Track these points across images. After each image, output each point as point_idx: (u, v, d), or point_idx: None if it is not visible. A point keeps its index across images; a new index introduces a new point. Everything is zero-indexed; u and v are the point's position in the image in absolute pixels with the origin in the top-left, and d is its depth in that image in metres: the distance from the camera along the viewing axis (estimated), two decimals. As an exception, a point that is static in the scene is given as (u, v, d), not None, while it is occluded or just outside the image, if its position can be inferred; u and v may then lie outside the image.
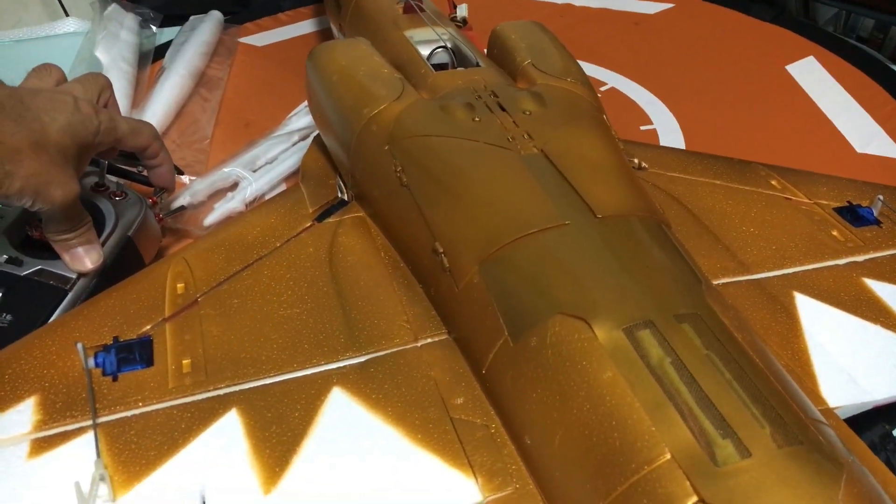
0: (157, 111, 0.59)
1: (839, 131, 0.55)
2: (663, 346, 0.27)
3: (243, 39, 0.73)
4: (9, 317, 0.36)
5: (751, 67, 0.64)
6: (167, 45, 0.69)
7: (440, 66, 0.47)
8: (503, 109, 0.39)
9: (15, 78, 0.40)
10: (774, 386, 0.27)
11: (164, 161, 0.44)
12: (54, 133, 0.35)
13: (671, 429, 0.25)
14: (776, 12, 0.72)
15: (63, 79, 0.41)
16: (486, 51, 0.48)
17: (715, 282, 0.37)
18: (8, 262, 0.38)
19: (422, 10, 0.50)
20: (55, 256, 0.38)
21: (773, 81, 0.62)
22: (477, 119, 0.38)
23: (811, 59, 0.64)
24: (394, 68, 0.43)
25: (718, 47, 0.68)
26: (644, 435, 0.25)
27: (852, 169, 0.50)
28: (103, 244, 0.40)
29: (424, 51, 0.47)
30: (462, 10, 0.55)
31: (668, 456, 0.24)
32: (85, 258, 0.39)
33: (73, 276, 0.38)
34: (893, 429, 0.34)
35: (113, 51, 0.65)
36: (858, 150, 0.53)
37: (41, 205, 0.35)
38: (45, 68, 0.40)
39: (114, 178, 0.45)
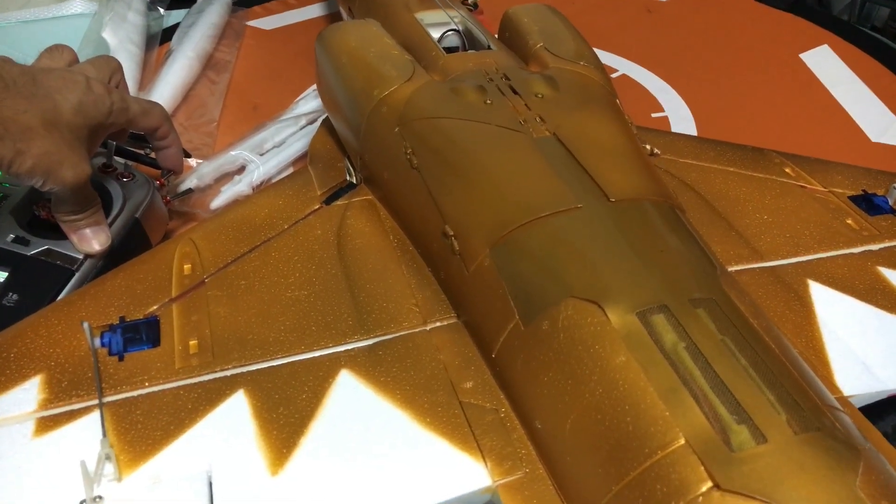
0: (164, 93, 0.59)
1: (854, 120, 0.55)
2: (678, 331, 0.27)
3: (251, 23, 0.73)
4: (15, 296, 0.36)
5: (764, 55, 0.63)
6: (175, 27, 0.68)
7: (451, 50, 0.47)
8: (515, 92, 0.38)
9: (23, 59, 0.39)
10: (790, 372, 0.26)
11: (174, 143, 0.44)
12: (67, 112, 0.35)
13: (685, 414, 0.24)
14: (791, 0, 0.71)
15: (75, 60, 0.40)
16: (497, 34, 0.48)
17: (728, 269, 0.37)
18: (15, 241, 0.38)
19: (433, -8, 0.50)
20: (62, 237, 0.38)
21: (786, 70, 0.61)
22: (489, 101, 0.37)
23: (825, 47, 0.63)
24: (404, 50, 0.42)
25: (731, 35, 0.67)
26: (658, 420, 0.24)
27: (867, 158, 0.50)
28: (110, 225, 0.40)
29: (435, 33, 0.47)
30: (473, -6, 0.54)
31: (683, 441, 0.24)
32: (93, 240, 0.38)
33: (80, 256, 0.38)
34: (907, 419, 0.34)
35: (120, 32, 0.65)
36: (873, 139, 0.53)
37: (52, 185, 0.35)
38: (57, 49, 0.40)
39: (121, 160, 0.45)
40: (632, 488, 0.24)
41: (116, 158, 0.44)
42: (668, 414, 0.24)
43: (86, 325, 0.33)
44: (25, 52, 0.41)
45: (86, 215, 0.38)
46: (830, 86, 0.58)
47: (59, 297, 0.37)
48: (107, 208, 0.40)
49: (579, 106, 0.38)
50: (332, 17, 0.73)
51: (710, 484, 0.23)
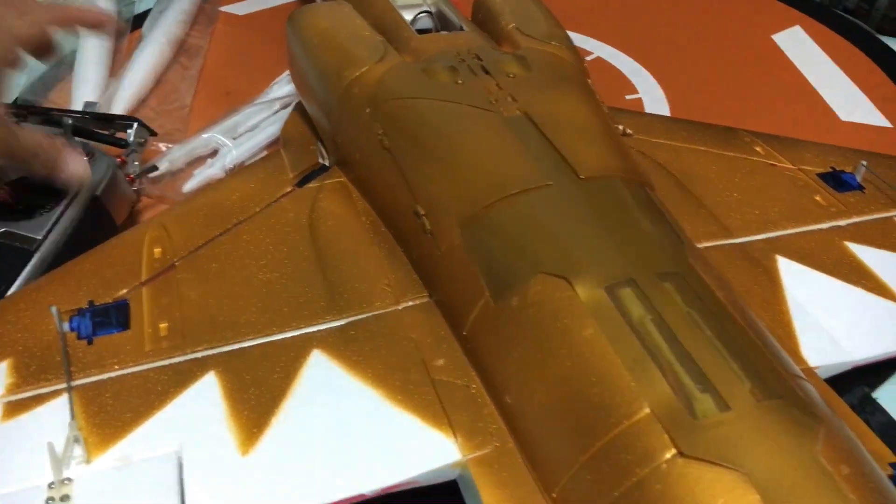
0: (135, 79, 0.58)
1: (824, 100, 0.55)
2: (644, 304, 0.27)
3: (224, 8, 0.72)
4: (-27, 278, 0.36)
5: (737, 37, 0.64)
6: (146, 13, 0.68)
7: (424, 32, 0.46)
8: (486, 72, 0.38)
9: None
10: (755, 343, 0.27)
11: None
12: None
13: (651, 384, 0.25)
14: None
15: None
16: (471, 16, 0.47)
17: (699, 246, 0.37)
18: None
19: (404, -27, 0.49)
20: (20, 218, 0.38)
21: (759, 51, 0.61)
22: (460, 82, 0.37)
23: (797, 28, 0.63)
24: (376, 31, 0.42)
25: (705, 16, 0.67)
26: (623, 390, 0.25)
27: (837, 137, 0.50)
28: (69, 206, 0.39)
29: (408, 15, 0.47)
30: (446, -25, 0.54)
31: (648, 410, 0.24)
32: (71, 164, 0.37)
33: (39, 237, 0.37)
34: (873, 391, 0.35)
35: (90, 19, 0.64)
36: (843, 118, 0.53)
37: None
38: None
39: (79, 139, 0.44)
40: (597, 458, 0.24)
41: (74, 138, 0.44)
42: (634, 384, 0.25)
43: (54, 309, 0.32)
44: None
45: (50, 150, 0.37)
46: (802, 67, 0.59)
47: (20, 279, 0.36)
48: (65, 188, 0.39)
49: (550, 85, 0.38)
50: (305, 2, 0.73)
51: (673, 451, 0.23)
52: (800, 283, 0.35)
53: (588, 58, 0.62)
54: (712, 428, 0.23)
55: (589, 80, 0.41)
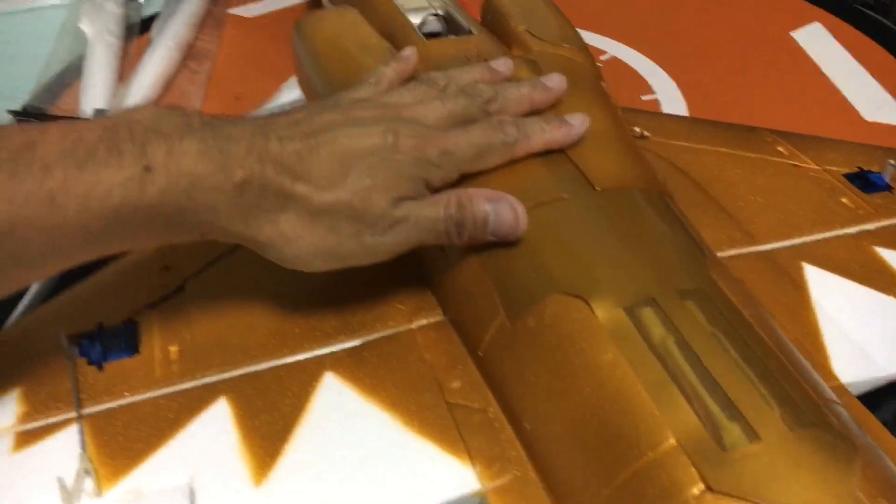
0: (144, 84, 0.58)
1: (846, 99, 0.53)
2: (666, 325, 0.26)
3: (232, 10, 0.71)
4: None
5: (755, 34, 0.62)
6: (154, 16, 0.67)
7: (432, 35, 0.45)
8: (498, 78, 0.37)
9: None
10: (784, 364, 0.25)
11: None
12: None
13: (675, 412, 0.24)
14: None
15: None
16: (479, 18, 0.46)
17: (721, 254, 0.36)
18: None
19: (412, -24, 0.48)
20: None
21: (778, 48, 0.60)
22: (470, 89, 0.36)
23: (817, 24, 0.61)
24: (383, 38, 0.41)
25: (721, 13, 0.65)
26: (647, 419, 0.24)
27: (861, 137, 0.48)
28: None
29: (415, 19, 0.46)
30: (455, -24, 0.52)
31: (673, 441, 0.23)
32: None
33: None
34: (907, 405, 0.33)
35: (98, 23, 0.64)
36: (867, 118, 0.51)
37: None
38: None
39: None
40: (622, 490, 0.23)
41: None
42: (658, 412, 0.24)
43: (63, 335, 0.32)
44: (2, 45, 0.40)
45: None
46: (823, 64, 0.57)
47: (24, 300, 0.35)
48: None
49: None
50: (315, 2, 0.72)
51: (701, 486, 0.22)
52: (828, 293, 0.34)
53: (603, 57, 0.60)
54: (742, 460, 0.22)
55: (603, 84, 0.40)
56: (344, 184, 0.29)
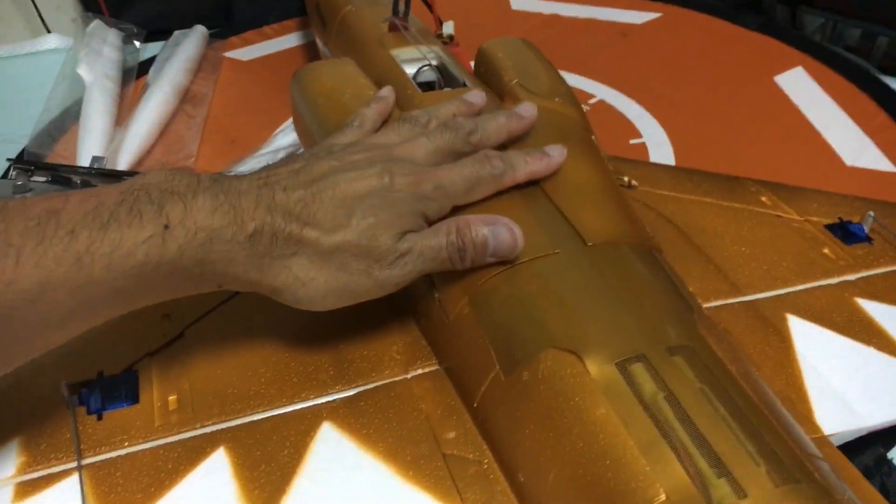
0: (140, 129, 0.59)
1: (829, 144, 0.55)
2: (656, 381, 0.27)
3: (228, 54, 0.72)
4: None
5: (739, 78, 0.64)
6: (151, 60, 0.68)
7: (427, 85, 0.47)
8: (491, 132, 0.38)
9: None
10: (769, 420, 0.26)
11: None
12: None
13: (666, 468, 0.24)
14: (763, 20, 0.71)
15: None
16: (472, 69, 0.48)
17: (707, 304, 0.37)
18: None
19: (407, 28, 0.50)
20: None
21: (761, 93, 0.62)
22: (465, 143, 0.37)
23: (800, 69, 0.64)
24: (379, 89, 0.42)
25: (707, 58, 0.68)
26: (639, 475, 0.24)
27: (842, 182, 0.50)
28: None
29: (411, 69, 0.47)
30: (448, 28, 0.54)
31: (664, 497, 0.24)
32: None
33: None
34: (888, 451, 0.34)
35: (96, 67, 0.65)
36: (848, 163, 0.53)
37: None
38: None
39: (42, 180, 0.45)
40: (614, 546, 0.24)
41: (37, 179, 0.44)
42: (649, 469, 0.24)
43: (63, 384, 0.32)
44: (0, 90, 0.41)
45: None
46: (805, 109, 0.59)
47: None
48: None
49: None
50: (310, 46, 0.73)
51: (691, 543, 0.23)
52: (811, 344, 0.35)
53: (591, 101, 0.62)
54: (729, 516, 0.23)
55: (593, 137, 0.41)
56: (349, 225, 0.30)
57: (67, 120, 0.62)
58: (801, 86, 0.61)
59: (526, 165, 0.34)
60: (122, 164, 0.56)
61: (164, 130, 0.61)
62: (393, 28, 0.50)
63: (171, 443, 0.31)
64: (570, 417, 0.27)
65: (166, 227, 0.27)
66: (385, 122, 0.38)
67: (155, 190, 0.28)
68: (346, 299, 0.32)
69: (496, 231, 0.31)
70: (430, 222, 0.32)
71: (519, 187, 0.35)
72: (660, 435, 0.25)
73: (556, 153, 0.35)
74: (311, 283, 0.30)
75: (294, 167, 0.32)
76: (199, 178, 0.29)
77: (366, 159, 0.32)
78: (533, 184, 0.35)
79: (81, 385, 0.33)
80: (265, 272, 0.30)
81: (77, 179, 0.45)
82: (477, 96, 0.39)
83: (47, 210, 0.26)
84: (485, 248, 0.31)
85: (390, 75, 0.45)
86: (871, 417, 0.32)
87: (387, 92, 0.39)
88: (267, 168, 0.32)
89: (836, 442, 0.31)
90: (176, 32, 0.71)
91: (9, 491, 0.29)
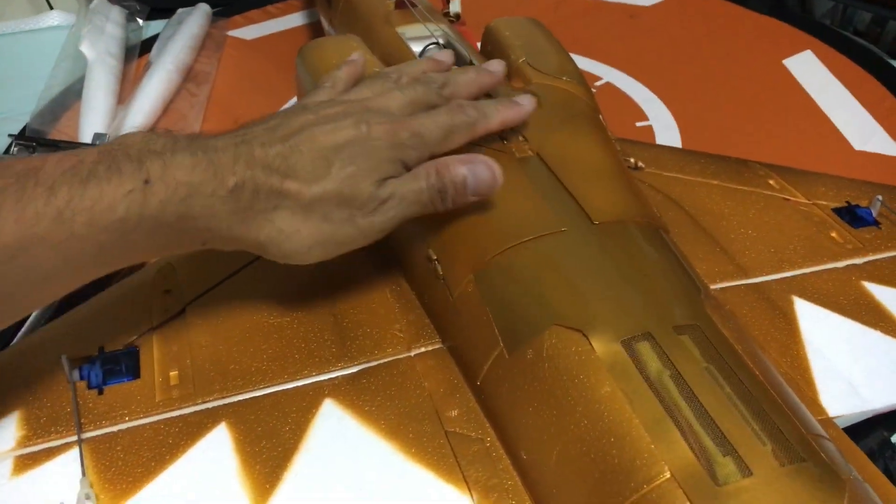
0: (143, 106, 0.58)
1: (837, 128, 0.54)
2: (662, 360, 0.26)
3: (232, 33, 0.72)
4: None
5: (748, 62, 0.63)
6: (154, 38, 0.68)
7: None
8: (497, 110, 0.38)
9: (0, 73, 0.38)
10: (775, 400, 0.26)
11: None
12: None
13: (671, 446, 0.24)
14: (773, 3, 0.71)
15: None
16: (479, 47, 0.47)
17: (713, 286, 0.37)
18: None
19: (413, 5, 0.49)
20: None
21: (770, 76, 0.61)
22: (470, 121, 0.37)
23: (808, 53, 0.63)
24: (385, 66, 0.42)
25: (715, 41, 0.67)
26: (643, 452, 0.24)
27: (850, 166, 0.50)
28: None
29: (417, 47, 0.46)
30: (455, 6, 0.54)
31: (668, 474, 0.23)
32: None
33: None
34: (892, 435, 0.34)
35: (98, 45, 0.64)
36: (856, 147, 0.53)
37: None
38: None
39: None
40: (618, 524, 0.24)
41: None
42: (654, 446, 0.24)
43: (64, 357, 0.32)
44: (2, 66, 0.40)
45: None
46: (813, 93, 0.58)
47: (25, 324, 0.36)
48: None
49: (562, 124, 0.38)
50: (314, 25, 0.73)
51: (696, 520, 0.22)
52: (817, 327, 0.35)
53: (598, 83, 0.61)
54: (735, 495, 0.23)
55: (600, 116, 0.41)
56: (329, 175, 0.30)
57: (70, 97, 0.61)
58: (809, 69, 0.61)
59: (498, 113, 0.35)
60: (125, 141, 0.55)
61: (167, 108, 0.60)
62: (399, 5, 0.49)
63: (172, 418, 0.31)
64: (574, 395, 0.27)
65: (146, 181, 0.27)
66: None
67: (133, 149, 0.28)
68: (332, 250, 0.32)
69: (475, 169, 0.32)
70: (410, 169, 0.32)
71: (524, 165, 0.34)
72: (665, 413, 0.25)
73: (526, 101, 0.36)
74: (296, 236, 0.30)
75: (270, 124, 0.32)
76: (175, 137, 0.29)
77: (341, 111, 0.32)
78: (539, 161, 0.35)
79: (83, 360, 0.33)
80: (249, 226, 0.30)
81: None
82: (446, 55, 0.40)
83: (26, 168, 0.26)
84: (465, 187, 0.32)
85: (396, 53, 0.45)
86: (875, 400, 0.32)
87: (356, 55, 0.39)
88: (243, 126, 0.32)
89: (841, 424, 0.31)
90: (179, 10, 0.70)
91: (8, 464, 0.29)
